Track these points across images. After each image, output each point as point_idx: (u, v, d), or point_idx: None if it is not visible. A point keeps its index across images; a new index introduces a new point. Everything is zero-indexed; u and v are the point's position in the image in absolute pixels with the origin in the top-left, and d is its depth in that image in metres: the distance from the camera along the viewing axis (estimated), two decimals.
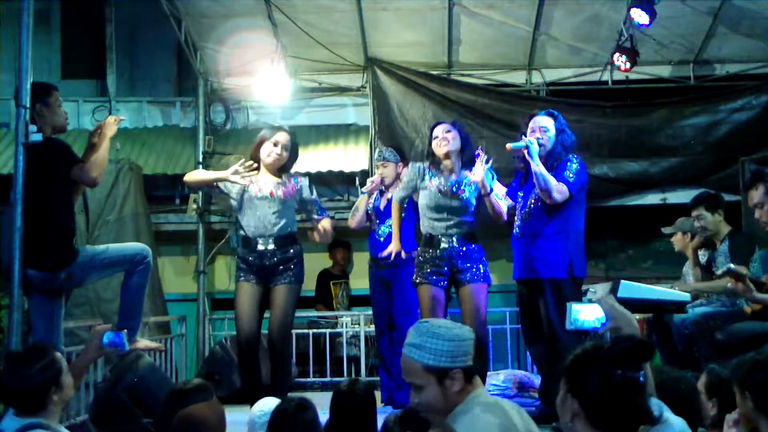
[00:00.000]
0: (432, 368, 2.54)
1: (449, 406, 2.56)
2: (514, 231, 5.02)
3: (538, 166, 4.73)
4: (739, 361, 2.83)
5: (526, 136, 4.91)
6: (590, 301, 5.56)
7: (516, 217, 5.03)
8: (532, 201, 4.91)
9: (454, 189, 4.88)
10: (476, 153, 4.84)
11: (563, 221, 4.85)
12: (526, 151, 4.76)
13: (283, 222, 4.89)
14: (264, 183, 4.93)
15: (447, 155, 4.90)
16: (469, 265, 4.84)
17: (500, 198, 4.98)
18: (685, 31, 7.93)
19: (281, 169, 4.99)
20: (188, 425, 2.75)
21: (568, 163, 4.87)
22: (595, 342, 2.10)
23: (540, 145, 4.85)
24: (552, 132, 4.93)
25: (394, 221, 5.24)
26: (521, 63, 8.45)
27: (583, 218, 4.97)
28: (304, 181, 5.06)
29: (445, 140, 4.89)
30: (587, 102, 8.30)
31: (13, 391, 2.99)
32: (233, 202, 4.98)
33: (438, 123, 5.12)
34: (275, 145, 4.94)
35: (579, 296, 4.99)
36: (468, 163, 4.92)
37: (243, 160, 4.90)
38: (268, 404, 3.46)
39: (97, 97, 9.43)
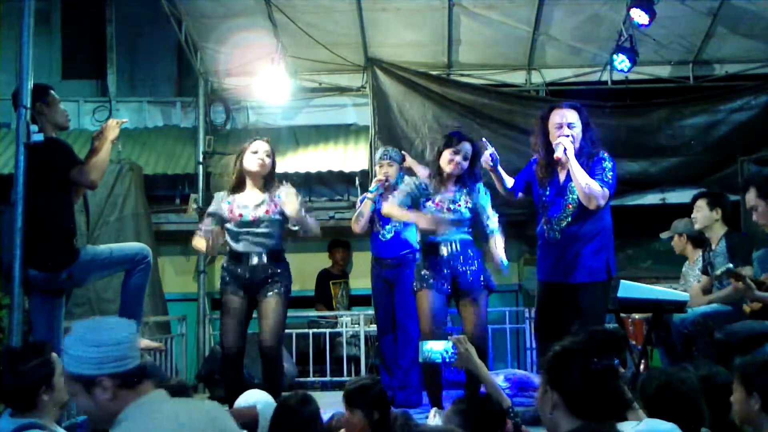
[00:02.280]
0: (76, 376, 2.32)
1: (109, 415, 2.33)
2: (546, 234, 4.76)
3: (580, 171, 4.52)
4: (743, 361, 2.82)
5: (538, 132, 4.78)
6: None
7: (545, 219, 4.77)
8: (569, 205, 4.67)
9: (450, 205, 4.81)
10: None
11: (600, 220, 4.69)
12: (563, 153, 4.55)
13: (271, 240, 4.85)
14: (248, 204, 4.84)
15: (449, 175, 4.83)
16: (470, 270, 4.77)
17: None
18: (685, 31, 7.94)
19: (266, 183, 4.92)
20: None
21: (603, 162, 4.63)
22: (572, 338, 2.17)
23: (572, 141, 4.62)
24: (578, 128, 4.68)
25: (402, 215, 4.94)
26: (521, 63, 8.46)
27: (610, 212, 4.80)
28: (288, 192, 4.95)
29: (458, 165, 4.78)
30: (587, 102, 8.25)
31: (5, 387, 3.01)
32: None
33: (463, 138, 4.88)
34: (255, 152, 4.87)
35: (609, 294, 4.89)
36: (467, 182, 4.88)
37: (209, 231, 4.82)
38: (252, 396, 3.48)
39: (98, 98, 9.43)
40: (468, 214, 4.84)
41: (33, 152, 4.00)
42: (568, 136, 4.59)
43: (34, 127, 4.02)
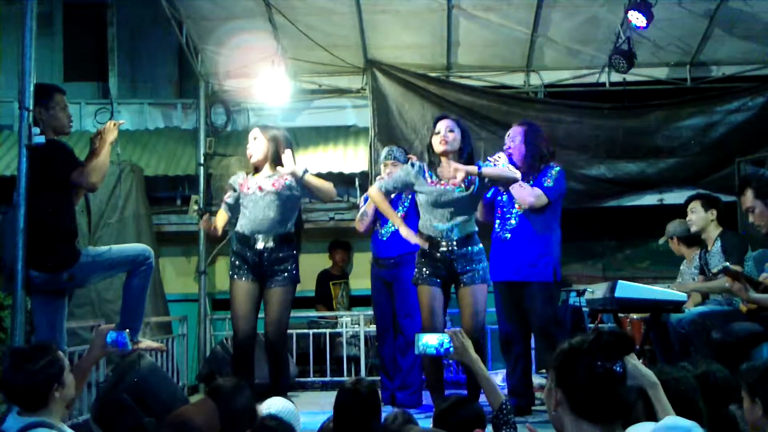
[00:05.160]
0: None
1: None
2: (499, 234, 5.14)
3: (508, 173, 4.85)
4: (748, 366, 2.84)
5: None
6: (588, 300, 5.67)
7: (498, 220, 5.16)
8: (519, 207, 5.07)
9: (453, 189, 4.81)
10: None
11: (546, 227, 5.04)
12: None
13: (279, 217, 4.92)
14: (253, 181, 5.00)
15: (444, 153, 4.84)
16: (468, 266, 4.80)
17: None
18: (682, 33, 7.97)
19: (275, 164, 5.01)
20: (175, 427, 2.79)
21: (548, 170, 5.06)
22: (581, 336, 2.18)
23: (509, 153, 5.07)
24: (518, 141, 5.11)
25: (386, 210, 5.02)
26: (519, 65, 8.49)
27: (559, 225, 5.19)
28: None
29: (445, 139, 4.81)
30: (585, 103, 8.35)
31: (16, 387, 3.03)
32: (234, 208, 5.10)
33: (442, 117, 5.00)
34: (248, 144, 5.10)
35: (559, 297, 5.31)
36: (466, 163, 4.93)
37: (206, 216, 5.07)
38: (275, 404, 3.50)
39: (99, 99, 9.46)
40: (472, 191, 4.82)
41: (34, 154, 4.03)
42: (508, 148, 5.11)
43: (36, 129, 4.05)
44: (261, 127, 5.15)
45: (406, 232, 4.85)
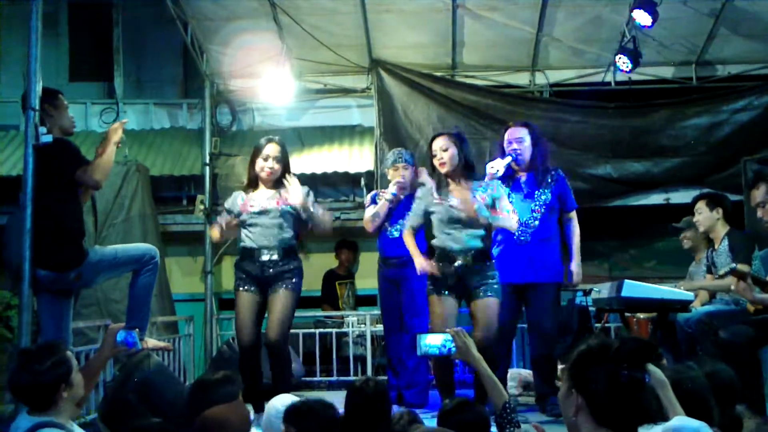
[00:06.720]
0: None
1: None
2: (516, 237, 5.14)
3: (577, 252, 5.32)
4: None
5: (505, 151, 5.21)
6: (594, 300, 5.68)
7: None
8: (537, 210, 5.14)
9: (462, 204, 4.80)
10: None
11: (557, 229, 5.21)
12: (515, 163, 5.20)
13: (284, 234, 4.93)
14: (259, 199, 4.98)
15: (447, 174, 4.85)
16: (482, 281, 4.75)
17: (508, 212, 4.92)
18: (687, 32, 7.97)
19: (277, 182, 5.01)
20: (209, 427, 2.78)
21: (567, 181, 5.29)
22: (599, 339, 2.11)
23: (518, 155, 5.16)
24: (528, 142, 5.19)
25: (411, 247, 4.95)
26: (524, 64, 8.49)
27: None
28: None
29: (441, 161, 4.82)
30: (590, 103, 8.34)
31: (25, 387, 3.04)
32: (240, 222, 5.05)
33: (437, 135, 4.97)
34: (266, 159, 4.97)
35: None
36: (469, 172, 4.90)
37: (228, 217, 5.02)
38: (286, 401, 3.50)
39: (105, 100, 9.50)
40: (485, 212, 4.82)
41: (41, 154, 4.04)
42: (516, 150, 5.18)
43: (42, 129, 4.06)
44: (279, 144, 5.04)
45: (423, 265, 4.81)
